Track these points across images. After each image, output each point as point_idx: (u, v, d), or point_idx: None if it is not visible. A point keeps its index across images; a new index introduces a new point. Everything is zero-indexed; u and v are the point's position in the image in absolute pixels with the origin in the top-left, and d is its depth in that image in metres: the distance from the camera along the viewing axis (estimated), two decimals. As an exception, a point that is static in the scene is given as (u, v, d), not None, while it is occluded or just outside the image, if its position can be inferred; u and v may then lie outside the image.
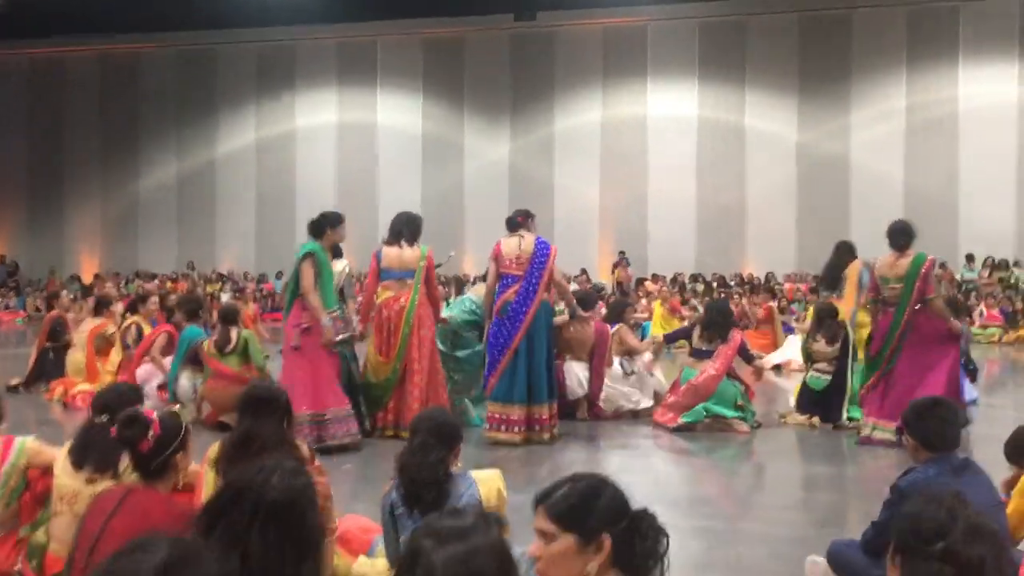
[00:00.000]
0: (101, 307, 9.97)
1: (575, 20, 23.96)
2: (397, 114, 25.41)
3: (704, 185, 23.46)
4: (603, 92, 24.17)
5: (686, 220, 23.49)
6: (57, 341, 9.76)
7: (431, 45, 25.23)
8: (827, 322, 8.14)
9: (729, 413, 7.65)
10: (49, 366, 9.62)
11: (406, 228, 7.45)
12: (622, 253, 23.22)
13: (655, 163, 23.70)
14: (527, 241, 7.20)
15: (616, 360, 8.34)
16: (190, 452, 3.17)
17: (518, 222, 7.34)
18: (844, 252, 9.04)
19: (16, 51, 26.60)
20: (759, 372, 8.35)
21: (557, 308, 7.90)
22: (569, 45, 24.32)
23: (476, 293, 8.18)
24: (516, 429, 6.96)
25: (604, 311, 9.65)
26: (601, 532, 2.13)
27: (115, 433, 3.05)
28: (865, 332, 7.73)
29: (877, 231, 23.56)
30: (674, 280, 22.14)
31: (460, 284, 19.23)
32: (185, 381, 8.10)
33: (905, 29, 22.42)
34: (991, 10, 21.78)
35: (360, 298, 8.46)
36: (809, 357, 8.18)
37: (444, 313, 7.88)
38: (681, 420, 7.63)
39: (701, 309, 14.21)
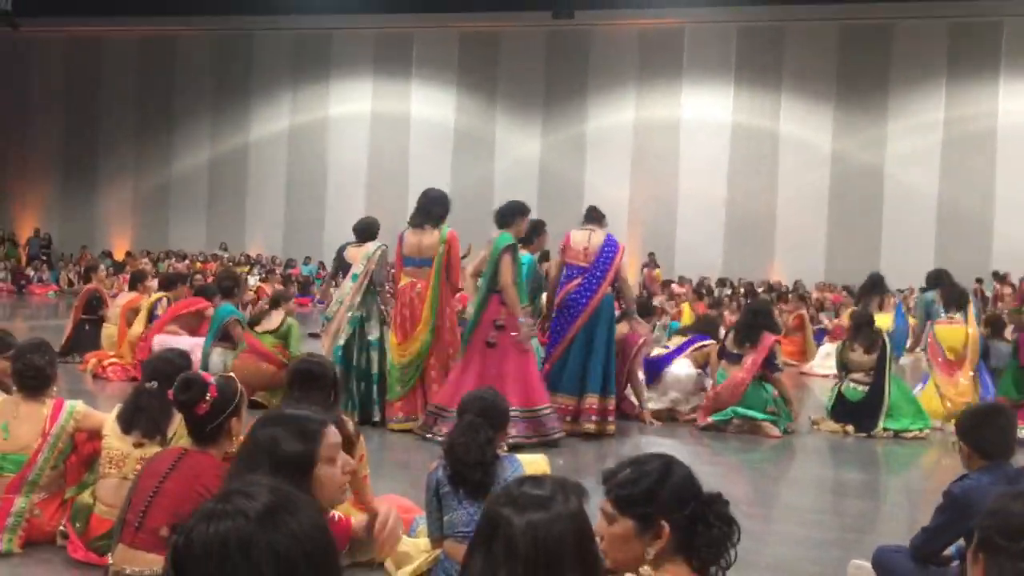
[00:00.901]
0: (136, 281, 10.03)
1: (612, 20, 23.89)
2: (430, 106, 25.45)
3: (735, 190, 23.34)
4: (637, 93, 24.09)
5: (715, 224, 23.39)
6: (93, 314, 9.82)
7: (467, 39, 25.24)
8: (864, 330, 8.04)
9: (760, 416, 7.61)
10: (84, 338, 9.68)
11: (429, 209, 7.01)
12: (651, 254, 23.12)
13: (686, 166, 23.60)
14: (597, 235, 7.14)
15: (688, 364, 8.11)
16: (243, 417, 3.18)
17: (593, 216, 7.29)
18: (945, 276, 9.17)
19: (55, 28, 26.84)
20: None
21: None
22: (605, 45, 24.26)
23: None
24: (565, 419, 6.85)
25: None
26: (660, 518, 2.10)
27: (172, 396, 3.06)
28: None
29: (908, 243, 23.59)
30: (700, 284, 22.03)
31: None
32: (216, 358, 8.01)
33: (946, 41, 22.21)
34: (1035, 25, 21.55)
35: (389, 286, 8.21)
36: (844, 366, 8.07)
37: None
38: (710, 419, 7.59)
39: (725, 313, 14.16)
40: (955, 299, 8.76)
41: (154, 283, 10.51)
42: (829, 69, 22.92)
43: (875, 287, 9.88)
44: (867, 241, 22.45)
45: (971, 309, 8.72)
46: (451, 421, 6.20)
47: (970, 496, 3.31)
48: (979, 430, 3.49)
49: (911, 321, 10.55)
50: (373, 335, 7.22)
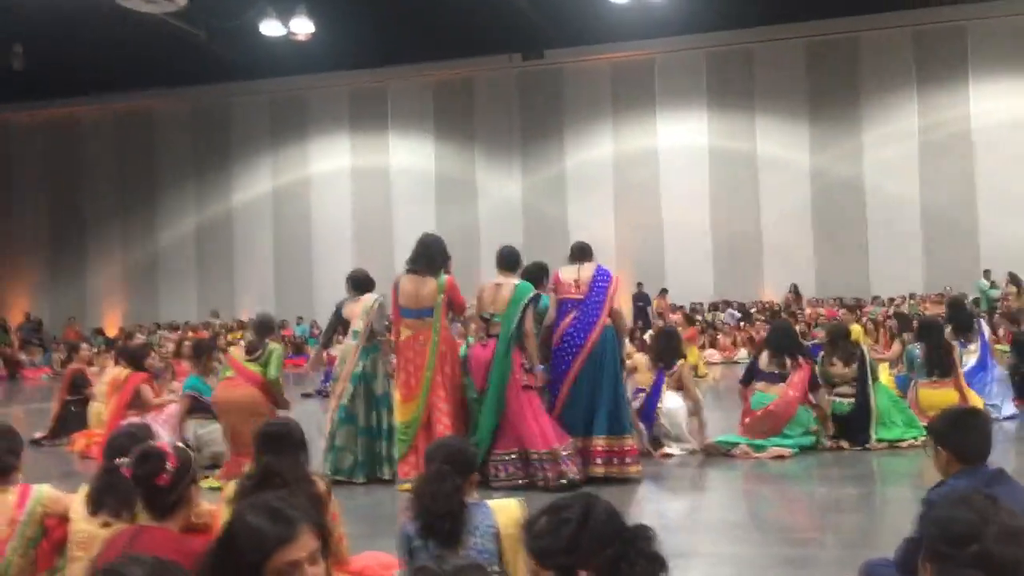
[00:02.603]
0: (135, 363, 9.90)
1: (582, 56, 24.12)
2: (409, 156, 25.60)
3: (719, 213, 23.42)
4: (613, 126, 24.26)
5: (702, 249, 23.43)
6: (78, 394, 9.76)
7: (441, 87, 25.46)
8: (841, 343, 8.04)
9: (806, 442, 7.59)
10: (71, 419, 9.62)
11: (424, 256, 7.02)
12: (639, 284, 23.10)
13: (668, 194, 23.70)
14: (587, 268, 6.98)
15: (674, 395, 7.87)
16: (199, 485, 3.14)
17: (579, 251, 7.12)
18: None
19: (35, 111, 27.06)
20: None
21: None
22: (577, 81, 24.48)
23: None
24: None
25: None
26: (580, 567, 1.98)
27: (129, 472, 3.01)
28: None
29: (896, 251, 23.69)
30: (693, 310, 22.03)
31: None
32: (188, 433, 7.81)
33: (912, 49, 22.44)
34: (998, 27, 21.79)
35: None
36: (829, 381, 8.03)
37: None
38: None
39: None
40: (939, 362, 8.46)
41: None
42: (800, 86, 23.12)
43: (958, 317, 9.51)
44: (855, 253, 22.51)
45: (959, 368, 8.52)
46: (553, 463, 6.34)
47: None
48: (956, 433, 3.44)
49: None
50: (378, 391, 7.16)
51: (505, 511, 3.33)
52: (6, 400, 17.68)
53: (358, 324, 7.22)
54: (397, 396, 7.13)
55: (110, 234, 27.24)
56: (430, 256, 7.03)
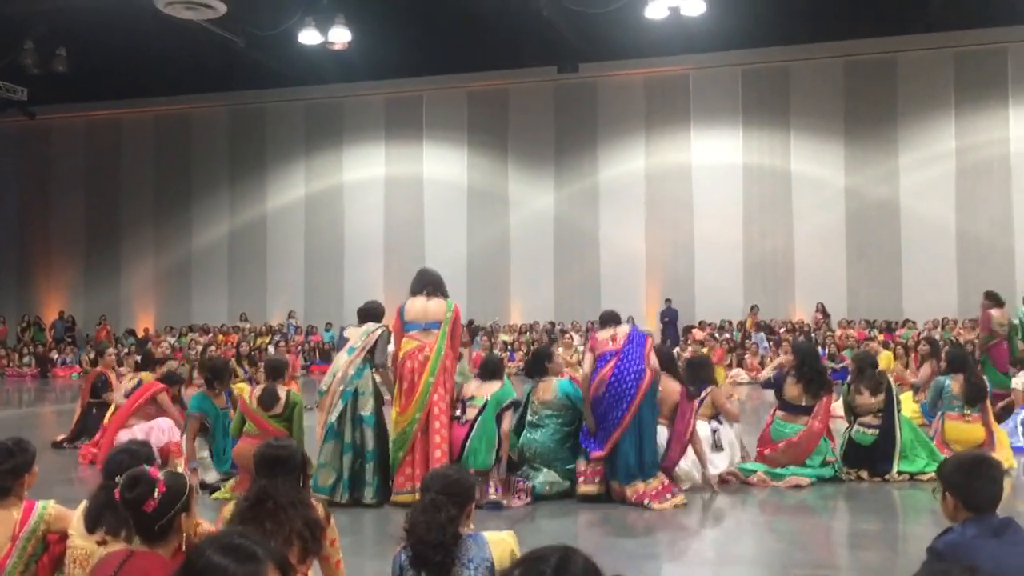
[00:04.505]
0: (145, 363, 10.02)
1: (617, 71, 24.07)
2: (443, 166, 25.67)
3: (751, 231, 23.24)
4: (646, 141, 24.17)
5: (733, 267, 23.25)
6: (98, 398, 9.84)
7: (476, 98, 25.52)
8: (868, 372, 7.89)
9: (826, 473, 7.54)
10: (92, 422, 9.69)
11: (430, 283, 7.34)
12: (668, 300, 22.99)
13: (700, 210, 23.55)
14: (622, 329, 7.28)
15: (703, 424, 7.70)
16: (194, 513, 3.13)
17: (612, 318, 7.48)
18: None
19: (75, 114, 27.50)
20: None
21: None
22: (612, 95, 24.42)
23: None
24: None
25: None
26: None
27: (118, 495, 3.01)
28: None
29: (929, 275, 23.36)
30: (721, 328, 21.86)
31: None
32: (200, 452, 7.80)
33: (952, 71, 22.14)
34: (1040, 49, 21.47)
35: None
36: (851, 410, 7.90)
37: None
38: (765, 475, 7.45)
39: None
40: (975, 395, 8.26)
41: (174, 363, 10.38)
42: (837, 105, 22.89)
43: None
44: (888, 275, 22.21)
45: (990, 406, 8.40)
46: None
47: (955, 551, 3.17)
48: (966, 480, 3.35)
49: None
50: (366, 411, 7.07)
51: (500, 544, 3.29)
52: (36, 399, 17.92)
53: (356, 341, 7.26)
54: (394, 411, 7.08)
55: (145, 236, 27.58)
56: (435, 283, 7.36)
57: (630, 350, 6.98)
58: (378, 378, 7.30)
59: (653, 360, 7.05)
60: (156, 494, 2.94)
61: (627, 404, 6.80)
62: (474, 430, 7.00)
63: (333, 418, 7.02)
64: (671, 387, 7.28)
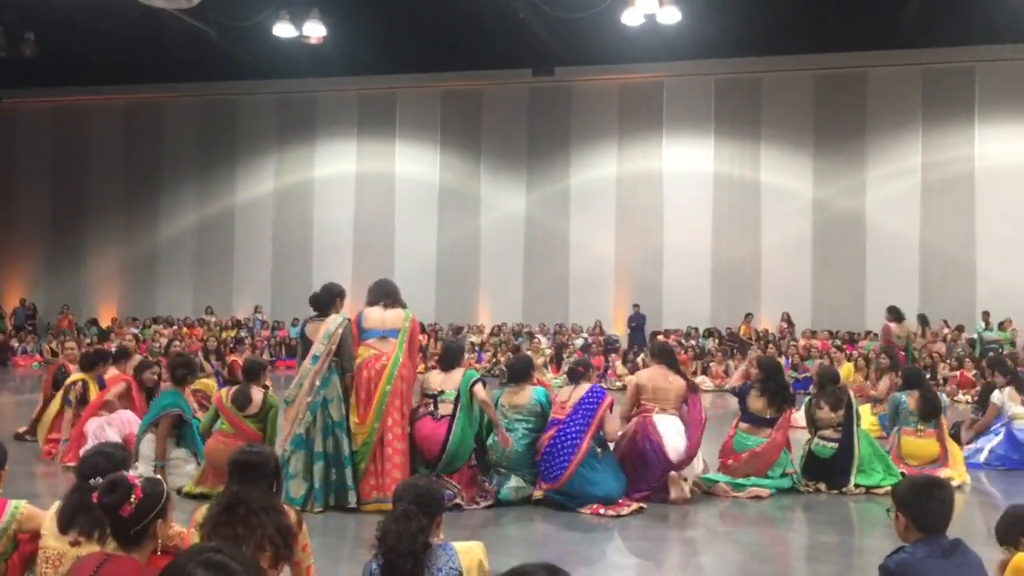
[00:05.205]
0: (119, 357, 9.90)
1: (592, 76, 24.22)
2: (415, 165, 25.66)
3: (719, 240, 23.48)
4: (619, 146, 24.34)
5: (701, 274, 23.48)
6: (59, 390, 9.75)
7: (449, 98, 25.54)
8: (829, 388, 8.09)
9: (785, 484, 7.71)
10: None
11: (386, 293, 7.33)
12: (636, 306, 23.19)
13: (670, 217, 23.76)
14: (577, 392, 7.30)
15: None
16: (170, 520, 3.17)
17: (575, 374, 7.57)
18: None
19: (42, 99, 27.15)
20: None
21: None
22: (586, 100, 24.56)
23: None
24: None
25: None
26: None
27: (96, 499, 3.05)
28: None
29: (893, 288, 23.72)
30: (687, 335, 22.07)
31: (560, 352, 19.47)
32: (146, 447, 7.58)
33: (920, 88, 22.53)
34: (1006, 70, 21.89)
35: None
36: (812, 423, 8.08)
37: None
38: (726, 485, 7.59)
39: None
40: (929, 411, 8.46)
41: (136, 360, 10.18)
42: (807, 118, 23.20)
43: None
44: (852, 287, 22.56)
45: (944, 422, 8.64)
46: None
47: (904, 570, 3.29)
48: (918, 502, 3.46)
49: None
50: (336, 416, 6.98)
51: (469, 554, 3.37)
52: (-4, 387, 17.68)
53: (319, 348, 7.05)
54: (353, 420, 7.01)
55: (111, 225, 27.28)
56: (391, 293, 7.35)
57: (572, 422, 7.04)
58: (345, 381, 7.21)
59: (609, 422, 7.13)
60: (133, 499, 2.98)
61: (559, 472, 6.92)
62: (455, 425, 7.03)
63: (301, 430, 6.89)
64: (676, 383, 7.54)
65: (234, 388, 7.56)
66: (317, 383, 6.98)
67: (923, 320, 18.80)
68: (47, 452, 8.95)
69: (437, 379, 7.33)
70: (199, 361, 11.71)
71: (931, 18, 19.87)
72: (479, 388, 7.18)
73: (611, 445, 7.37)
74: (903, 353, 13.78)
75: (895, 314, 15.29)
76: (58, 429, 8.99)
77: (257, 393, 7.41)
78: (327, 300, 7.53)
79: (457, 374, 7.28)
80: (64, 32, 21.03)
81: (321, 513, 6.76)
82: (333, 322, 7.19)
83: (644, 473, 7.21)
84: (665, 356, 7.81)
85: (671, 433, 7.29)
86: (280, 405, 7.36)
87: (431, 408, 7.18)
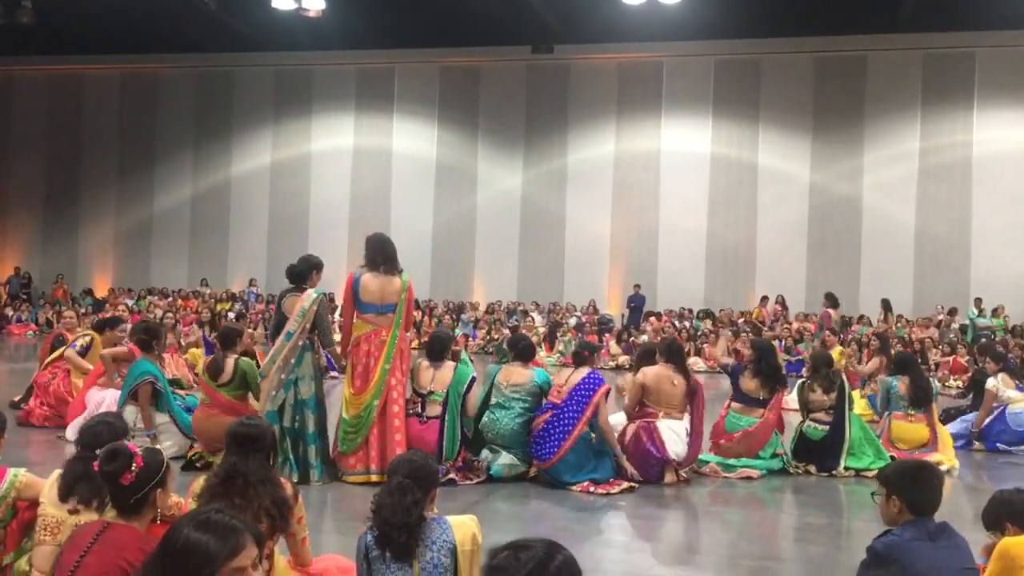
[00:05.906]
0: (102, 328, 9.90)
1: (591, 54, 24.14)
2: (412, 140, 25.61)
3: (715, 221, 23.51)
4: (617, 126, 24.30)
5: (696, 255, 23.53)
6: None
7: (448, 73, 25.45)
8: (823, 371, 8.16)
9: (775, 465, 7.78)
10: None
11: (383, 254, 7.13)
12: (637, 286, 23.17)
13: (667, 197, 23.77)
14: (575, 377, 7.27)
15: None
16: (169, 489, 3.21)
17: (579, 357, 7.56)
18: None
19: (38, 67, 27.00)
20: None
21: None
22: (584, 78, 24.49)
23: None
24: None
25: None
26: None
27: (96, 467, 3.09)
28: None
29: (887, 272, 23.76)
30: (681, 316, 22.12)
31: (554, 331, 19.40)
32: (129, 417, 7.45)
33: (920, 73, 22.50)
34: (1006, 56, 21.87)
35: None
36: (805, 405, 8.16)
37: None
38: (717, 465, 7.65)
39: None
40: (921, 397, 8.52)
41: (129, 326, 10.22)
42: (806, 101, 23.18)
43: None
44: (847, 270, 22.63)
45: (935, 407, 8.68)
46: None
47: (893, 551, 3.35)
48: (913, 486, 3.50)
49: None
50: (305, 394, 6.96)
51: (462, 528, 3.42)
52: (-9, 356, 17.69)
53: (293, 324, 6.95)
54: (348, 391, 7.05)
55: (106, 195, 27.21)
56: (388, 254, 7.16)
57: (567, 408, 7.04)
58: (322, 356, 7.22)
59: (603, 410, 7.10)
60: (134, 468, 3.01)
61: (550, 454, 6.97)
62: (445, 431, 7.05)
63: (273, 407, 6.88)
64: (682, 385, 7.48)
65: (209, 358, 7.63)
66: (292, 361, 6.95)
67: (886, 305, 19.03)
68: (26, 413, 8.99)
69: (427, 375, 7.23)
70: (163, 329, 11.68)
71: (932, 3, 19.84)
72: (470, 403, 7.20)
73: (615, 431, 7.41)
74: (834, 336, 14.72)
75: (831, 301, 16.86)
76: (56, 366, 9.18)
77: (229, 362, 7.36)
78: (303, 272, 7.39)
79: (447, 371, 7.21)
80: (61, 0, 20.87)
81: (302, 484, 6.74)
82: (308, 299, 7.08)
83: (644, 472, 7.24)
84: (674, 355, 7.64)
85: (673, 439, 7.31)
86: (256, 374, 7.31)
87: (418, 408, 7.15)
